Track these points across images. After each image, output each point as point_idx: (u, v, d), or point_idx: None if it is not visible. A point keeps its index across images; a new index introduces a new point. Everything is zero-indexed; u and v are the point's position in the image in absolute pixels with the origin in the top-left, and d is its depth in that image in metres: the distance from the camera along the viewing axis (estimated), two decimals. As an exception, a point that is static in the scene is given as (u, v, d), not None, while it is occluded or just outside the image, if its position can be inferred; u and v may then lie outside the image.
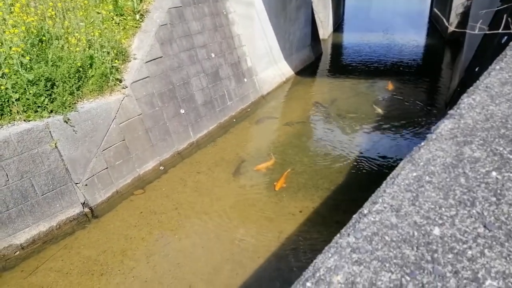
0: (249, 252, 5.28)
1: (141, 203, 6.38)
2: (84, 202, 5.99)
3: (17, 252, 5.15)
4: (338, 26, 25.05)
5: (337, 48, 20.16)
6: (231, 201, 6.39)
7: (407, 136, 8.76)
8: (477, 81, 2.61)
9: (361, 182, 6.80)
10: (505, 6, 6.43)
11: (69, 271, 4.96)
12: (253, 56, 11.37)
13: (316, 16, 17.86)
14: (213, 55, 9.57)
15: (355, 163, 7.52)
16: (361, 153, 7.96)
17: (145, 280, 4.83)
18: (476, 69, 8.35)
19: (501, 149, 1.88)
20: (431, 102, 11.31)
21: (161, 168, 7.37)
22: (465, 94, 2.42)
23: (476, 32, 3.23)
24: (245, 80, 10.83)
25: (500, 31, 3.10)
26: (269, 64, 12.38)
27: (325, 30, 20.53)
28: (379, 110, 9.71)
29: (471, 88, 2.51)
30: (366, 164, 7.51)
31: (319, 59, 16.73)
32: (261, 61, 11.78)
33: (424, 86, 12.74)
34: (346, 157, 7.77)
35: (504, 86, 2.48)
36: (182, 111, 8.22)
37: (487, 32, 3.79)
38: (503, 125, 2.08)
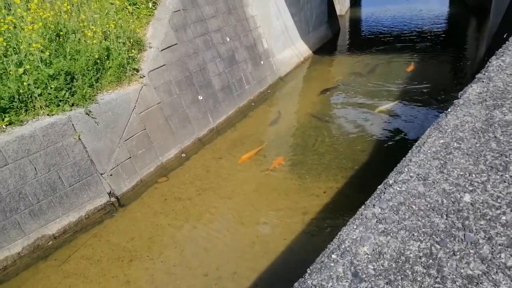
0: (274, 234, 5.28)
1: (165, 190, 6.48)
2: (110, 192, 6.12)
3: (50, 242, 5.34)
4: (355, 0, 24.30)
5: (355, 23, 19.60)
6: (254, 185, 6.39)
7: (431, 111, 8.47)
8: (506, 43, 2.45)
9: (385, 159, 6.64)
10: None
11: (99, 258, 5.12)
12: (269, 37, 11.18)
13: (331, -8, 17.35)
14: (228, 39, 9.47)
15: (379, 141, 7.35)
16: (385, 130, 7.76)
17: (173, 264, 4.92)
18: (505, 35, 7.91)
19: (535, 110, 1.76)
20: (457, 75, 10.85)
21: (183, 155, 7.43)
22: (493, 57, 2.27)
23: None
24: (262, 62, 10.69)
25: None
26: (285, 44, 12.16)
27: (341, 5, 19.97)
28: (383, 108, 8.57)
29: (500, 49, 2.36)
30: (390, 141, 7.33)
31: (337, 36, 16.33)
32: (277, 42, 11.58)
33: (449, 58, 12.22)
34: (370, 135, 7.60)
35: (537, 44, 2.31)
36: (200, 97, 8.21)
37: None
38: (537, 85, 1.94)
